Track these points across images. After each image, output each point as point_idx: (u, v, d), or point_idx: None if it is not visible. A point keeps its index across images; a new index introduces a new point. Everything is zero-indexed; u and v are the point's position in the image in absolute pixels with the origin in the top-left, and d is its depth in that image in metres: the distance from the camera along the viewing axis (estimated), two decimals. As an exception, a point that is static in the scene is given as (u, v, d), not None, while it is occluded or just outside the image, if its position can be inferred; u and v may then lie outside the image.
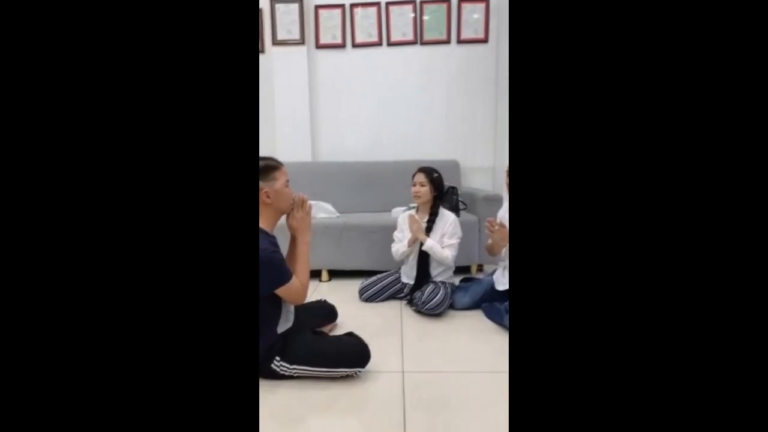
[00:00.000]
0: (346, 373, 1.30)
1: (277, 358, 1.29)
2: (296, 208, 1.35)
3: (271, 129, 2.92)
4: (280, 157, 2.87)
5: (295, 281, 1.28)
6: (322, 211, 2.47)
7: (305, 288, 1.33)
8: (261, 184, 1.27)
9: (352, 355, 1.31)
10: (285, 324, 1.35)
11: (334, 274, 2.46)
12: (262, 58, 2.90)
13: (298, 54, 2.84)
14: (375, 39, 2.87)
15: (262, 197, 1.27)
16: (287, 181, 1.33)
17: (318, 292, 2.24)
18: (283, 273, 1.25)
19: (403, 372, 1.37)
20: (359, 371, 1.31)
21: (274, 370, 1.29)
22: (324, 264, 2.39)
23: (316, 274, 2.43)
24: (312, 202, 2.53)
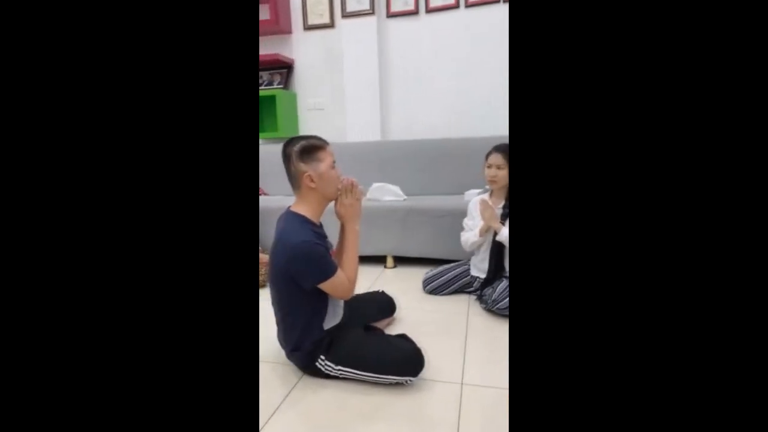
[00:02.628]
0: (395, 381, 1.16)
1: (322, 357, 1.19)
2: (344, 193, 1.21)
3: (340, 107, 2.83)
4: (349, 137, 2.80)
5: (339, 276, 1.15)
6: (389, 193, 2.33)
7: (352, 283, 1.20)
8: (304, 166, 1.14)
9: (402, 361, 1.16)
10: (332, 320, 1.24)
11: (399, 260, 2.32)
12: (331, 33, 2.80)
13: (368, 25, 2.67)
14: (452, 1, 2.58)
15: (306, 181, 1.15)
16: (334, 162, 1.19)
17: (382, 278, 2.13)
18: (325, 267, 1.12)
19: (462, 384, 1.19)
20: (410, 380, 1.16)
21: (319, 369, 1.19)
22: (389, 249, 2.25)
23: (380, 260, 2.32)
24: (378, 185, 2.41)
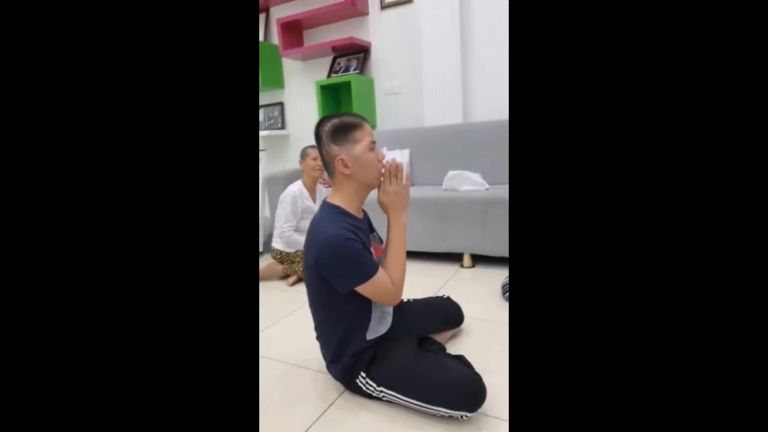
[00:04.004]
0: (447, 414, 0.92)
1: (363, 374, 1.00)
2: (388, 178, 1.00)
3: (419, 90, 2.60)
4: (428, 120, 2.56)
5: (381, 277, 0.95)
6: (468, 182, 2.04)
7: (397, 286, 0.99)
8: (336, 149, 0.96)
9: (458, 391, 0.91)
10: (378, 328, 1.05)
11: (478, 259, 2.03)
12: (409, 9, 2.58)
13: (449, -6, 2.38)
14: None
15: (339, 167, 0.97)
16: (373, 143, 0.98)
17: (457, 278, 1.87)
18: (361, 266, 0.93)
19: (538, 429, 0.90)
20: (466, 416, 0.91)
21: (360, 387, 1.01)
22: (466, 246, 1.98)
23: (456, 258, 2.06)
24: (454, 173, 2.13)
